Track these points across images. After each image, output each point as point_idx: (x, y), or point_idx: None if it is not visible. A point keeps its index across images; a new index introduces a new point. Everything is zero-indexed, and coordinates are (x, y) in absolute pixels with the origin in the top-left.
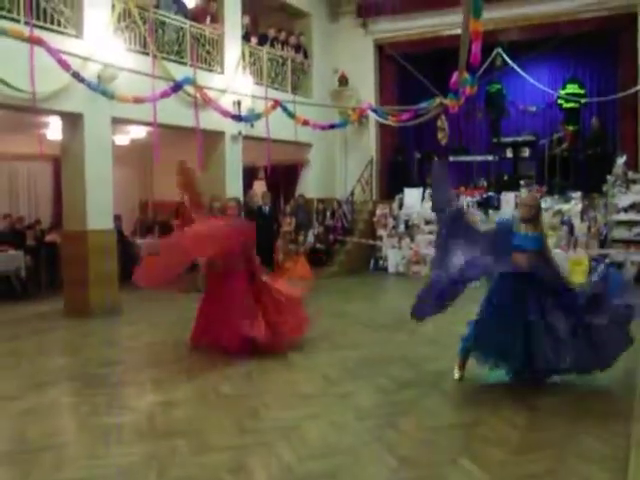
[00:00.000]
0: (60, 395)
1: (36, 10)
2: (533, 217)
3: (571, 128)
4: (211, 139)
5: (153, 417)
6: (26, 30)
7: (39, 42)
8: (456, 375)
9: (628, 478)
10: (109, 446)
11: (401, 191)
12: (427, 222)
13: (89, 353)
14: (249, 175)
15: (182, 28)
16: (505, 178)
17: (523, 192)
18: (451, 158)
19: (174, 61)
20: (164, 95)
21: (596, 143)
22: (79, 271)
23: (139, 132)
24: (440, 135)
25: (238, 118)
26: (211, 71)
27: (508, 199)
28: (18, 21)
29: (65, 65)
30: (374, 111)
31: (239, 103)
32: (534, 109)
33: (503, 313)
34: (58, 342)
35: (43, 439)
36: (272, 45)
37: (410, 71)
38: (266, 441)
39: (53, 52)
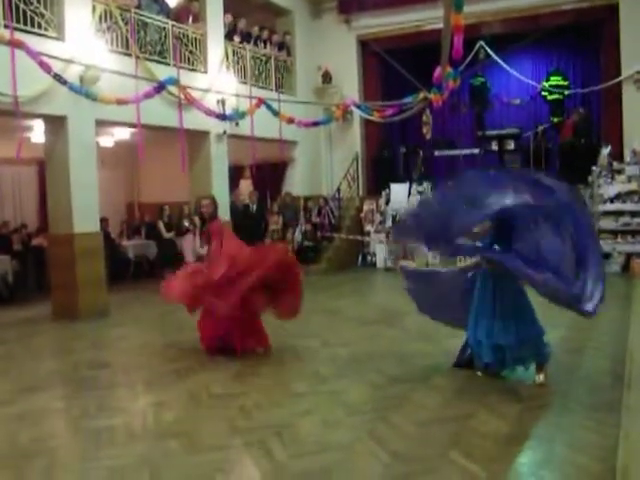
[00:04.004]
0: (51, 399)
1: (16, 13)
2: None
3: (556, 120)
4: (196, 139)
5: (145, 419)
6: (6, 33)
7: (19, 45)
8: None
9: (618, 468)
10: (101, 449)
11: (387, 186)
12: None
13: (79, 356)
14: (235, 174)
15: (164, 28)
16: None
17: None
18: (436, 152)
19: (157, 61)
20: (147, 96)
21: (579, 134)
22: (66, 274)
23: (123, 133)
24: (425, 129)
25: (222, 117)
26: (194, 71)
27: None
28: None
29: (46, 67)
30: (358, 107)
31: (223, 102)
32: (518, 101)
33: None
34: (47, 345)
35: (34, 443)
36: (255, 43)
37: (393, 66)
38: (258, 440)
39: (33, 55)
